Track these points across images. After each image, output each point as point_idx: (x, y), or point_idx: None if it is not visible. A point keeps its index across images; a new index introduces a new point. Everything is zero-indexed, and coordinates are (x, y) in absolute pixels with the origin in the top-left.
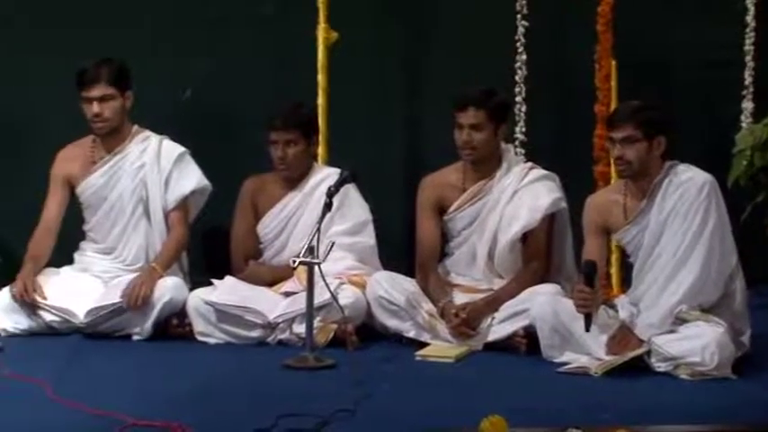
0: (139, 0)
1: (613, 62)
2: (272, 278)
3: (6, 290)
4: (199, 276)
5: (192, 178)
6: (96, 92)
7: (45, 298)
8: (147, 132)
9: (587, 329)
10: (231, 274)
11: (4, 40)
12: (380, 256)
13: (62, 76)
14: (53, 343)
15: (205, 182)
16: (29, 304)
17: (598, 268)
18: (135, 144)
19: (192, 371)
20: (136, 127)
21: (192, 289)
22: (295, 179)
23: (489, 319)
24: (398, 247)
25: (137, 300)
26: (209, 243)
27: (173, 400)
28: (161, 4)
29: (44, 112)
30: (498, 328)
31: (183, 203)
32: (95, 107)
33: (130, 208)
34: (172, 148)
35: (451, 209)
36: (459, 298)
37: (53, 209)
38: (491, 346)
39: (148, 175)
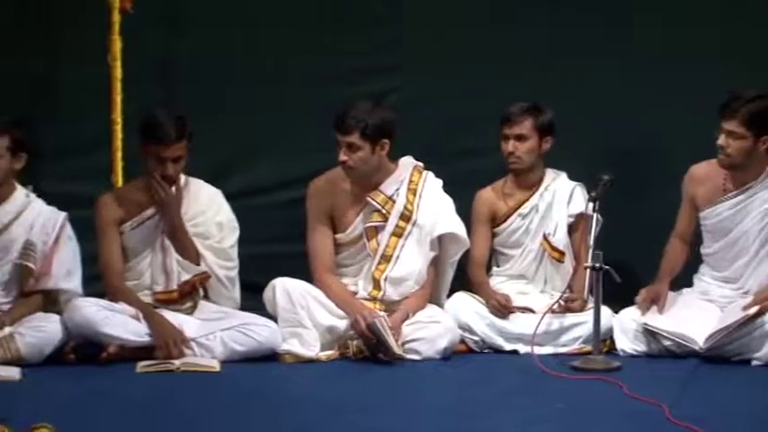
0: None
1: None
2: None
3: (627, 311)
4: None
5: None
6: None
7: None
8: None
9: None
10: None
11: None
12: None
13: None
14: (671, 365)
15: None
16: (649, 331)
17: None
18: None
19: None
20: None
21: None
22: None
23: None
24: None
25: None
26: None
27: None
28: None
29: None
30: None
31: None
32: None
33: (756, 245)
34: None
35: None
36: None
37: (683, 223)
38: None
39: None
